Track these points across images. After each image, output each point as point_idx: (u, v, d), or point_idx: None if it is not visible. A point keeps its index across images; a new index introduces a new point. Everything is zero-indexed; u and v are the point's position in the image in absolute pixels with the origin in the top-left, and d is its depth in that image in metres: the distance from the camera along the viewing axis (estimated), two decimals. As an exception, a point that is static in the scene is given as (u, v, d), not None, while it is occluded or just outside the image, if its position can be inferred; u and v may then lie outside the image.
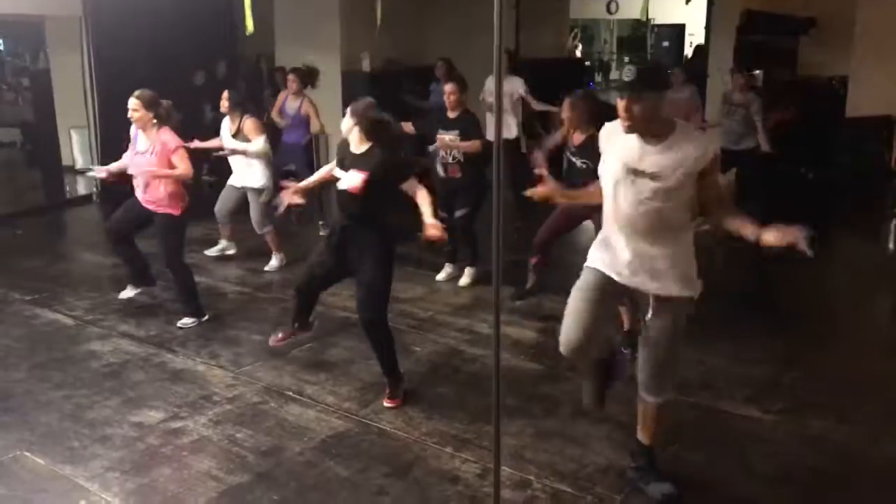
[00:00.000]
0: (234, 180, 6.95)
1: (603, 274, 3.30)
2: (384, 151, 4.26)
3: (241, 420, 4.27)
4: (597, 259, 3.34)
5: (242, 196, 6.95)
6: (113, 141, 9.96)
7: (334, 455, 3.90)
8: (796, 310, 6.01)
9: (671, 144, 3.08)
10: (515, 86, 8.22)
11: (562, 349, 3.33)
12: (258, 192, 6.82)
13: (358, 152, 4.30)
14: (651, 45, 24.43)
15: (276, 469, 3.78)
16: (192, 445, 4.01)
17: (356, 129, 4.28)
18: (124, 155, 5.80)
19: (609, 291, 3.31)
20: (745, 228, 3.04)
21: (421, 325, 5.65)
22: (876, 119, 9.54)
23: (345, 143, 4.39)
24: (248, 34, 6.22)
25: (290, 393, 4.58)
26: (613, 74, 24.90)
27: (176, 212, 5.52)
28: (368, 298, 4.29)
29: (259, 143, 6.67)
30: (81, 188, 10.76)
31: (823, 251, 7.69)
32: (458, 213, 6.33)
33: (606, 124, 3.32)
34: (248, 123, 6.69)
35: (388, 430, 4.15)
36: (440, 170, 6.32)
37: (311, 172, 7.95)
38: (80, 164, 11.32)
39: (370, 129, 4.25)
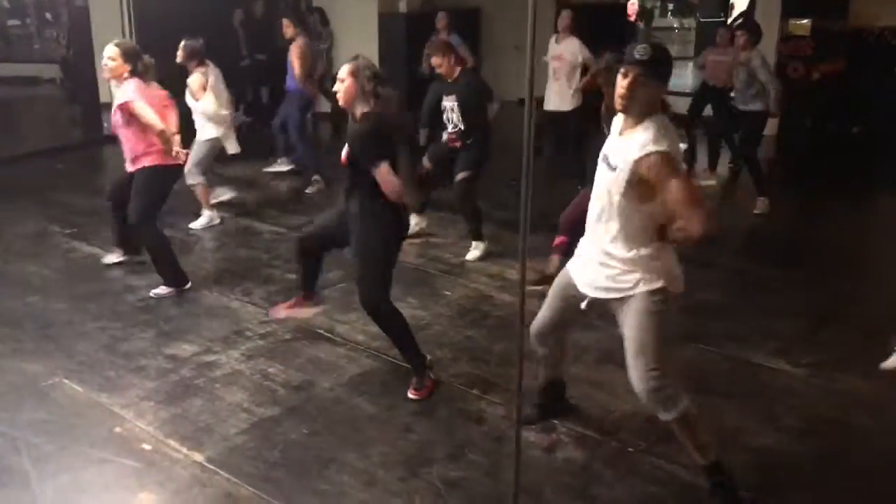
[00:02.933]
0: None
1: None
2: (367, 125, 3.72)
3: (272, 355, 4.35)
4: None
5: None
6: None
7: (363, 392, 3.96)
8: (833, 267, 5.92)
9: (632, 134, 2.91)
10: (574, 49, 7.51)
11: None
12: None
13: (355, 125, 3.81)
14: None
15: (306, 404, 3.86)
16: (225, 378, 4.10)
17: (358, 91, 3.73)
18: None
19: None
20: None
21: (451, 269, 5.66)
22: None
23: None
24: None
25: (322, 331, 4.64)
26: (657, 22, 24.32)
27: (149, 164, 5.10)
28: (361, 290, 3.85)
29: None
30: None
31: (866, 210, 7.59)
32: (457, 177, 5.79)
33: None
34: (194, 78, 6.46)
35: (417, 370, 4.20)
36: (444, 136, 5.88)
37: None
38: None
39: (364, 93, 3.71)
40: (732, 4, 19.89)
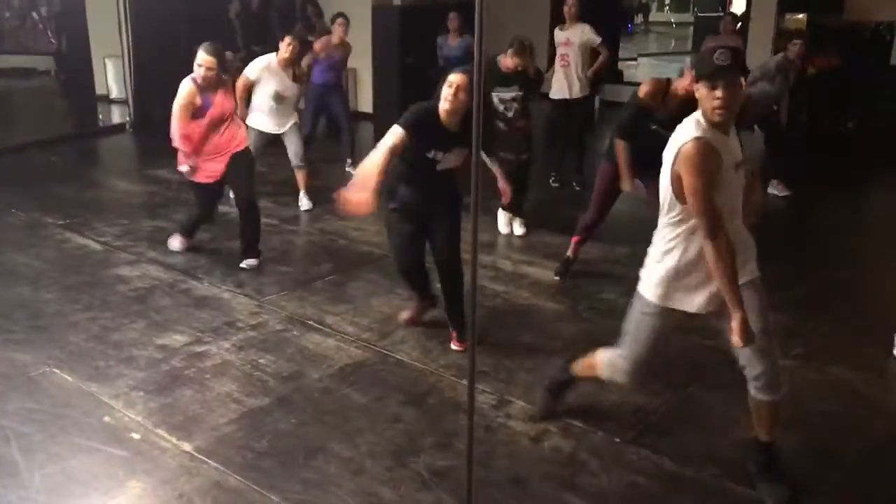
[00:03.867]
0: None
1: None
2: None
3: (263, 346, 4.35)
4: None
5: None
6: (146, 70, 10.05)
7: (352, 382, 3.97)
8: (825, 260, 5.93)
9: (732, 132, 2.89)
10: (585, 35, 7.41)
11: None
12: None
13: (455, 130, 3.94)
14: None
15: (296, 394, 3.86)
16: (215, 369, 4.10)
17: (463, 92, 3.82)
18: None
19: None
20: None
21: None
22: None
23: (435, 119, 3.94)
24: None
25: (312, 322, 4.65)
26: (654, 16, 24.33)
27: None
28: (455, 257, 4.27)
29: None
30: (115, 117, 10.86)
31: (859, 203, 7.62)
32: (522, 157, 6.05)
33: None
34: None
35: (406, 360, 4.21)
36: (501, 124, 5.93)
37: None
38: (114, 94, 11.41)
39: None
40: (730, -1, 19.91)
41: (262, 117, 6.53)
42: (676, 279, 2.99)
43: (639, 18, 24.27)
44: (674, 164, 2.81)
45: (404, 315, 4.64)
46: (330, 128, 8.54)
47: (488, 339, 4.39)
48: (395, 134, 3.81)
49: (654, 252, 3.06)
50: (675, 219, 2.91)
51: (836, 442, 3.57)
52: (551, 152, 7.92)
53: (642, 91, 4.61)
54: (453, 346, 4.32)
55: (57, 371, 4.03)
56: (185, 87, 5.15)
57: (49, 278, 5.25)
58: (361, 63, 10.56)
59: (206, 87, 5.15)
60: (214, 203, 5.67)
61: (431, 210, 4.19)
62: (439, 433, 3.53)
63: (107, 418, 3.62)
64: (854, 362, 4.22)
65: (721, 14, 17.37)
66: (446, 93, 3.87)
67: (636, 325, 3.16)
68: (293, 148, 6.77)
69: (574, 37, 7.41)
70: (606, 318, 4.60)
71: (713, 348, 4.36)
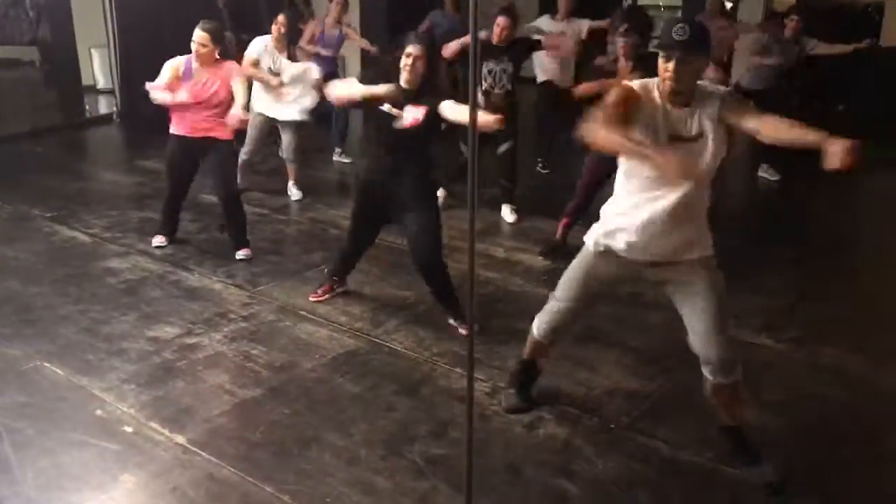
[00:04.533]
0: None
1: None
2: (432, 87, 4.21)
3: (255, 337, 4.33)
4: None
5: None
6: (132, 61, 9.95)
7: (345, 372, 3.95)
8: (819, 244, 5.94)
9: (697, 106, 2.88)
10: (580, 28, 7.44)
11: None
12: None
13: (411, 87, 4.16)
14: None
15: (288, 384, 3.84)
16: (207, 360, 4.08)
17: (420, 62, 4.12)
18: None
19: None
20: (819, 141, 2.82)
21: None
22: (912, 48, 9.25)
23: (390, 75, 4.20)
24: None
25: (304, 312, 4.62)
26: (642, 0, 24.19)
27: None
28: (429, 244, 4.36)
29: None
30: (102, 108, 10.76)
31: (853, 188, 7.59)
32: (503, 147, 6.10)
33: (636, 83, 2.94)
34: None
35: (399, 349, 4.19)
36: (482, 100, 5.90)
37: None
38: (101, 84, 11.30)
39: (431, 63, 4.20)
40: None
41: (263, 96, 6.54)
42: (608, 222, 3.13)
43: (628, 1, 24.20)
44: None
45: (314, 296, 4.78)
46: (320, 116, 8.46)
47: (481, 326, 4.38)
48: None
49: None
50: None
51: (830, 425, 3.58)
52: (540, 139, 7.89)
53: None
54: (461, 332, 4.33)
55: (48, 365, 4.00)
56: (173, 62, 5.26)
57: (37, 271, 5.20)
58: (349, 50, 10.49)
59: (200, 64, 5.20)
60: (184, 183, 5.55)
61: (398, 189, 4.25)
62: (433, 422, 3.52)
63: (99, 412, 3.60)
64: (847, 346, 4.23)
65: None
66: (404, 62, 4.14)
67: (572, 268, 3.30)
68: (287, 140, 6.76)
69: (569, 30, 7.38)
70: (599, 304, 4.59)
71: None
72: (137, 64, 9.67)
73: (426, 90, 4.15)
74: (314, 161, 7.79)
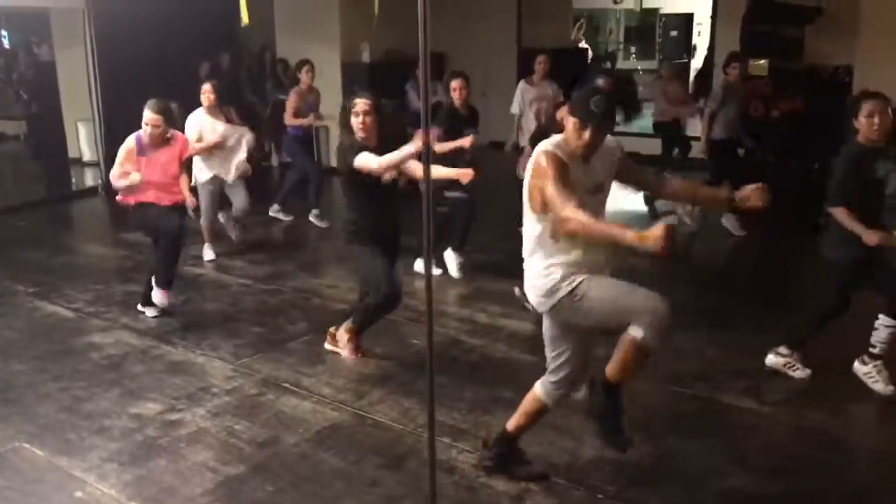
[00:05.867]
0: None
1: None
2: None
3: (238, 412, 4.29)
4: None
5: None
6: (117, 133, 10.05)
7: (329, 446, 3.91)
8: (798, 302, 5.98)
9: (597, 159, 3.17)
10: (550, 92, 7.69)
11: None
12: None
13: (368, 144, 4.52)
14: (659, 34, 24.29)
15: (272, 460, 3.80)
16: (190, 437, 4.03)
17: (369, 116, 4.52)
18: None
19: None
20: (717, 192, 3.13)
21: (419, 316, 5.63)
22: (882, 108, 9.47)
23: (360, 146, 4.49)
24: (243, 26, 6.24)
25: (288, 385, 4.59)
26: (620, 64, 24.78)
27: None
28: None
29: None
30: (88, 180, 10.82)
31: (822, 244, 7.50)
32: (465, 196, 6.18)
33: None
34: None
35: (384, 421, 4.16)
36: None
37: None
38: (86, 157, 11.38)
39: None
40: (695, 46, 20.38)
41: (207, 164, 6.79)
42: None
43: (606, 66, 24.72)
44: (531, 177, 3.10)
45: (347, 351, 4.88)
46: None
47: (466, 396, 4.37)
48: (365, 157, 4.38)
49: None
50: (537, 229, 3.17)
51: (815, 489, 3.56)
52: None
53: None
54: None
55: (27, 446, 3.94)
56: (126, 145, 5.40)
57: (19, 348, 5.16)
58: (333, 118, 10.65)
59: (152, 143, 5.34)
60: (169, 232, 5.46)
61: (395, 233, 4.74)
62: (420, 496, 3.47)
63: (78, 493, 3.54)
64: (832, 407, 4.23)
65: (685, 61, 17.80)
66: (355, 122, 4.46)
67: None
68: (239, 201, 7.02)
69: (542, 91, 7.63)
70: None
71: (692, 397, 4.38)
72: (122, 137, 9.77)
73: (385, 143, 4.42)
74: (289, 227, 7.86)
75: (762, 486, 3.55)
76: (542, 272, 3.19)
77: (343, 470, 3.71)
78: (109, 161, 10.00)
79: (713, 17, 11.82)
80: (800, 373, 4.56)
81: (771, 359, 4.63)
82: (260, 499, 3.48)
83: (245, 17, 5.60)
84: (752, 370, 4.69)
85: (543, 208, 3.08)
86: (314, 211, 8.11)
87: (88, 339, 5.32)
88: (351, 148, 4.45)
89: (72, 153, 11.55)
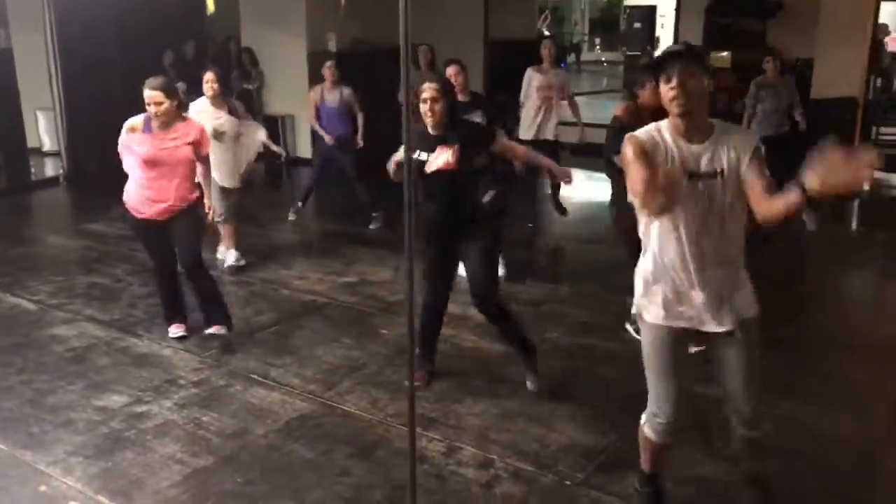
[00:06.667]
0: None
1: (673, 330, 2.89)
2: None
3: (206, 403, 4.26)
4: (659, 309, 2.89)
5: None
6: (79, 122, 9.89)
7: (298, 437, 3.90)
8: (767, 295, 6.06)
9: (715, 141, 2.72)
10: (563, 80, 7.67)
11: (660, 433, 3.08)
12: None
13: (438, 133, 4.06)
14: (623, 26, 24.47)
15: (241, 452, 3.78)
16: (157, 429, 4.00)
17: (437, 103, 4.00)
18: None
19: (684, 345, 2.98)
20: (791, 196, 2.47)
21: (388, 307, 5.65)
22: (840, 101, 9.65)
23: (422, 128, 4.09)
24: (209, 14, 6.10)
25: (256, 376, 4.57)
26: (585, 56, 24.93)
27: (195, 200, 4.96)
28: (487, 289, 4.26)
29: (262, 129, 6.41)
30: (48, 170, 10.63)
31: (792, 235, 7.70)
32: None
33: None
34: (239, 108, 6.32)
35: (353, 411, 4.16)
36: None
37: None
38: (47, 146, 11.18)
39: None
40: (658, 38, 20.57)
41: (215, 165, 6.01)
42: (648, 287, 2.89)
43: (571, 58, 24.82)
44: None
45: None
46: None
47: (434, 385, 4.39)
48: None
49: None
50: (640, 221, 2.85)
51: (784, 475, 3.62)
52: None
53: (619, 111, 4.85)
54: (530, 387, 4.32)
55: (-10, 440, 3.88)
56: (132, 121, 4.79)
57: (-20, 342, 5.08)
58: (298, 109, 10.59)
59: (162, 124, 4.72)
60: (165, 252, 5.01)
61: (458, 232, 4.19)
62: (388, 486, 3.49)
63: (43, 487, 3.49)
64: (803, 396, 4.30)
65: (649, 52, 17.95)
66: (423, 109, 4.02)
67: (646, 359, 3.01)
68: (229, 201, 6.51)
69: (556, 81, 7.56)
70: (551, 358, 4.65)
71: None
72: (84, 126, 9.65)
73: (453, 130, 4.05)
74: (265, 220, 7.79)
75: (732, 473, 3.60)
76: None
77: (312, 460, 3.70)
78: (71, 150, 9.93)
79: (677, 10, 11.93)
80: None
81: None
82: (229, 490, 3.47)
83: (211, 6, 5.52)
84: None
85: None
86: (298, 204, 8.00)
87: (51, 331, 5.24)
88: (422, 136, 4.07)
89: (31, 142, 11.34)
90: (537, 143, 7.60)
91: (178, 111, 4.85)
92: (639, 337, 3.07)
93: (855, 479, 3.62)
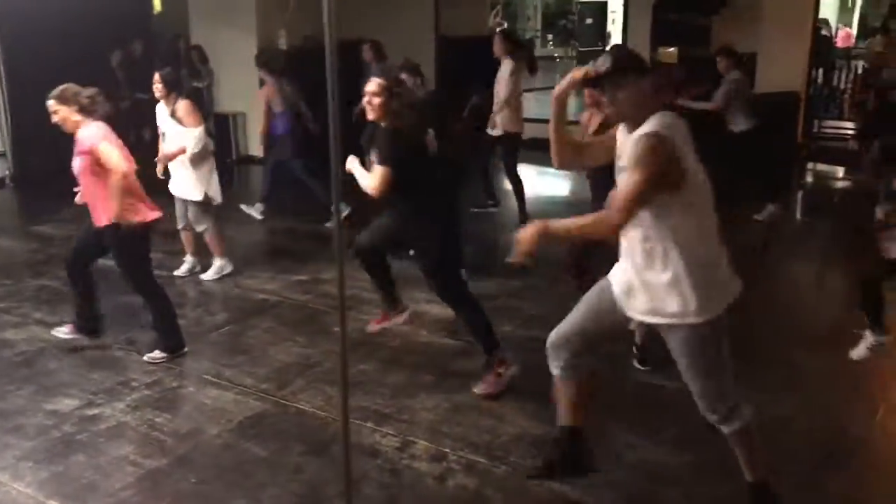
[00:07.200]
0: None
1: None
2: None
3: (159, 405, 4.25)
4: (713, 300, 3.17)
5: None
6: (25, 123, 9.69)
7: (252, 436, 3.92)
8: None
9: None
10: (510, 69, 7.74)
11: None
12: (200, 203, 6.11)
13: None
14: (574, 21, 24.71)
15: (194, 452, 3.79)
16: (109, 431, 3.98)
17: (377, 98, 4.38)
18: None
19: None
20: None
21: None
22: (783, 95, 9.90)
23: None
24: (156, 13, 6.00)
25: (209, 377, 4.57)
26: (538, 51, 25.05)
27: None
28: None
29: (198, 133, 5.89)
30: (-7, 172, 10.42)
31: (736, 226, 7.87)
32: None
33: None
34: (183, 106, 5.89)
35: (307, 409, 4.19)
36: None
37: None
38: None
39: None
40: (609, 34, 20.84)
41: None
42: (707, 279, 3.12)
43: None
44: None
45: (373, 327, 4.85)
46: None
47: (388, 381, 4.43)
48: None
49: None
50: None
51: (722, 458, 3.74)
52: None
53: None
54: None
55: (-64, 448, 3.83)
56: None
57: (-76, 348, 4.99)
58: (248, 106, 10.54)
59: (71, 134, 4.54)
60: (82, 249, 4.89)
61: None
62: (342, 481, 3.51)
63: (-7, 493, 3.47)
64: (746, 383, 4.41)
65: (600, 48, 18.18)
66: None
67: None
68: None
69: (506, 71, 7.71)
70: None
71: (610, 375, 4.52)
72: (31, 127, 9.45)
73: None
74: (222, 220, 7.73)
75: (675, 457, 3.72)
76: None
77: (267, 458, 3.73)
78: (17, 151, 9.73)
79: (625, 6, 12.12)
80: None
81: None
82: (183, 490, 3.48)
83: (158, 5, 5.45)
84: (661, 347, 4.86)
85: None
86: (259, 205, 8.02)
87: (0, 335, 5.17)
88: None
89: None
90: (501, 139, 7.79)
91: (82, 119, 4.51)
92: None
93: (806, 459, 3.74)
